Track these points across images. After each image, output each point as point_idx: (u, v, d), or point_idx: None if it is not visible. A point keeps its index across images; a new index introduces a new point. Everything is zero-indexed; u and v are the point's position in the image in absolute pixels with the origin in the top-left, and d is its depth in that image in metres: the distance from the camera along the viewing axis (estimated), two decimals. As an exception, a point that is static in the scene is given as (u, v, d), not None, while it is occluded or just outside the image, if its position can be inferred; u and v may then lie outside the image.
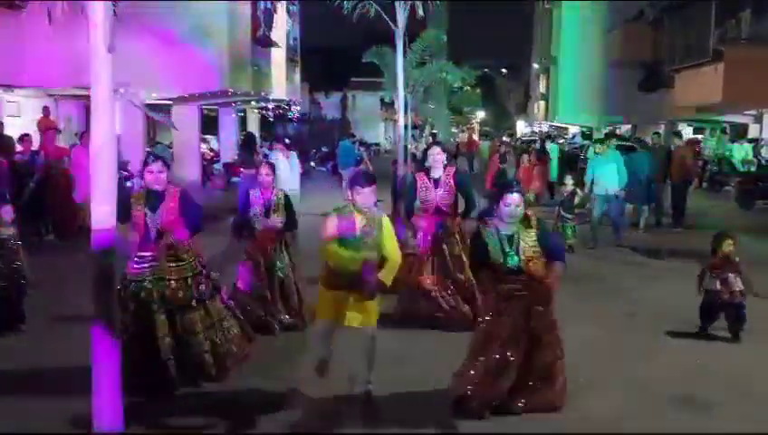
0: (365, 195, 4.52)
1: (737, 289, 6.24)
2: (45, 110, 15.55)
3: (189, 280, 4.96)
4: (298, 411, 4.69)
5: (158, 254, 4.86)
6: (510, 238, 4.40)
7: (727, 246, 6.32)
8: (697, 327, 6.45)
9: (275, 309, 6.33)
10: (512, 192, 4.39)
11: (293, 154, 11.82)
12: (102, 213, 3.54)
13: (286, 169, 10.81)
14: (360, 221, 4.56)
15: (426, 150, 7.36)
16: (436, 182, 6.42)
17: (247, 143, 14.42)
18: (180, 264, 4.95)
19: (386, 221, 4.70)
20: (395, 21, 8.43)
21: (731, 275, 6.26)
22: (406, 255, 6.99)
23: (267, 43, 19.27)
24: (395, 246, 4.74)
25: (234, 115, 23.01)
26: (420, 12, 8.39)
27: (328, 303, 4.70)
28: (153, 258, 4.86)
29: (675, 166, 12.75)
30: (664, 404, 4.90)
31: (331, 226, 4.56)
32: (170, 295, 4.86)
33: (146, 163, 4.96)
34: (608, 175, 10.55)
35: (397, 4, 8.25)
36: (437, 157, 6.47)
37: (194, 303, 4.96)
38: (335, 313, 4.67)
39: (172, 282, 4.88)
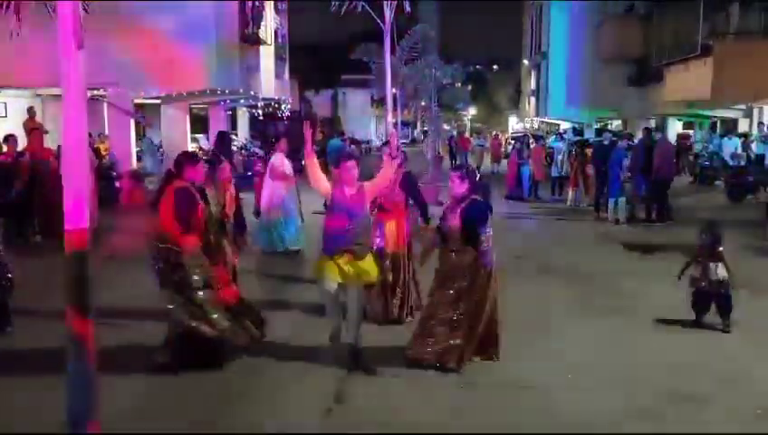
0: (348, 169, 5.20)
1: (715, 278, 6.25)
2: (30, 110, 15.40)
3: None
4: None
5: None
6: None
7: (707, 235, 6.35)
8: (691, 321, 6.46)
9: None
10: (452, 171, 5.38)
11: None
12: (75, 213, 3.45)
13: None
14: (348, 191, 5.20)
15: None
16: None
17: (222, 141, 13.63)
18: None
19: (367, 185, 5.29)
20: (382, 18, 8.36)
21: (711, 264, 6.28)
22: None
23: (255, 41, 19.19)
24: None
25: (224, 113, 22.93)
26: (407, 8, 8.34)
27: (331, 266, 5.10)
28: None
29: (655, 161, 12.71)
30: (658, 399, 4.87)
31: (328, 190, 5.23)
32: None
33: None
34: None
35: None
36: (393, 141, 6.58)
37: None
38: (340, 274, 5.10)
39: None
